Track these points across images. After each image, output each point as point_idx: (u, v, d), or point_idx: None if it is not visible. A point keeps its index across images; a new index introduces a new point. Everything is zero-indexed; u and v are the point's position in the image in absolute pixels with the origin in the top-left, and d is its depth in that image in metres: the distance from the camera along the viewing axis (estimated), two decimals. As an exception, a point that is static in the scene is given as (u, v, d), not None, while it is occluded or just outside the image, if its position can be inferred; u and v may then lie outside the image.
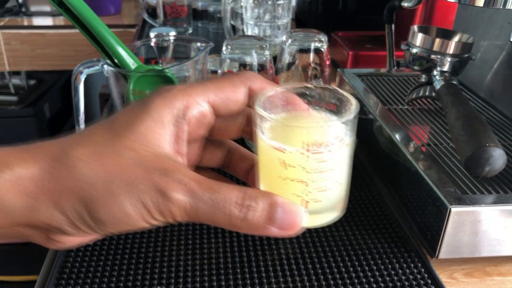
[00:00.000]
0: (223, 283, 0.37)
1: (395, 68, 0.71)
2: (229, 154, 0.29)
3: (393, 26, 0.70)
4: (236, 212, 0.21)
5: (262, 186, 0.25)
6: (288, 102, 0.25)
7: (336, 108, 0.25)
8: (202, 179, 0.22)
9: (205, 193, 0.21)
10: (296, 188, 0.23)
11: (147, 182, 0.21)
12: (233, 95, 0.25)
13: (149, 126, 0.22)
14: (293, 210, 0.22)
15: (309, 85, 0.25)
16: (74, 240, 0.23)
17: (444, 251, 0.40)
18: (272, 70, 0.64)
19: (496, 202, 0.40)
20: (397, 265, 0.40)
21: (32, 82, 1.54)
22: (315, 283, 0.38)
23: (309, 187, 0.23)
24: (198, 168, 0.28)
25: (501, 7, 0.46)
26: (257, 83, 0.25)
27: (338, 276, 0.38)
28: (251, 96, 0.25)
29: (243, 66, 0.62)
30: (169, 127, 0.23)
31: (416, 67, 0.59)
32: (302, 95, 0.25)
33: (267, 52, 0.62)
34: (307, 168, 0.22)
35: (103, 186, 0.21)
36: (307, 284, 0.37)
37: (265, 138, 0.23)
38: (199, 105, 0.24)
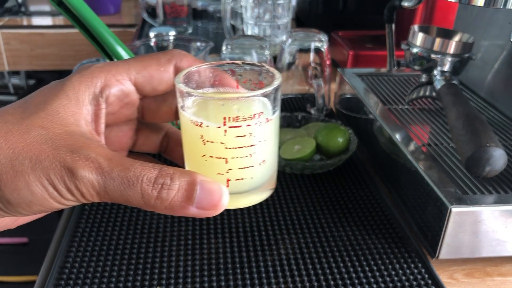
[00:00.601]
0: (223, 283, 0.37)
1: (396, 68, 0.71)
2: (165, 139, 0.28)
3: (393, 25, 0.70)
4: (149, 190, 0.20)
5: (187, 166, 0.24)
6: (217, 79, 0.24)
7: (264, 84, 0.24)
8: (113, 156, 0.20)
9: (115, 170, 0.20)
10: (217, 166, 0.22)
11: (52, 158, 0.20)
12: (157, 73, 0.24)
13: (63, 103, 0.21)
14: (213, 188, 0.21)
15: (237, 62, 0.24)
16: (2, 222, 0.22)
17: (445, 252, 0.40)
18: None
19: (497, 202, 0.40)
20: (397, 265, 0.40)
21: (31, 82, 1.54)
22: (315, 283, 0.37)
23: (229, 164, 0.22)
24: (133, 153, 0.27)
25: (501, 7, 0.46)
26: (184, 61, 0.24)
27: (338, 276, 0.38)
28: (177, 71, 0.24)
29: None
30: (85, 105, 0.22)
31: (416, 67, 0.59)
32: (231, 72, 0.25)
33: (267, 52, 0.62)
34: (226, 144, 0.22)
35: (7, 164, 0.20)
36: (307, 284, 0.37)
37: (185, 114, 0.22)
38: (119, 82, 0.23)
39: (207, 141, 0.22)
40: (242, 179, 0.23)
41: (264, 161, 0.23)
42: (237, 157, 0.22)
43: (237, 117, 0.21)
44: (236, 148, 0.22)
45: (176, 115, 0.25)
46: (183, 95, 0.22)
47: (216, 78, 0.24)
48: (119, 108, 0.24)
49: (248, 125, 0.21)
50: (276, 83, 0.23)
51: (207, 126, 0.21)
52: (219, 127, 0.21)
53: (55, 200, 0.20)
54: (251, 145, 0.22)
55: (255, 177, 0.24)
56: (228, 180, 0.23)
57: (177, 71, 0.24)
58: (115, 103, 0.23)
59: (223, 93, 0.24)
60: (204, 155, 0.22)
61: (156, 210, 0.21)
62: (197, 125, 0.22)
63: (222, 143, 0.22)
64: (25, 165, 0.20)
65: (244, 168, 0.23)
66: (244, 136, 0.22)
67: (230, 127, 0.21)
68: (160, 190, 0.20)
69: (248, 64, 0.25)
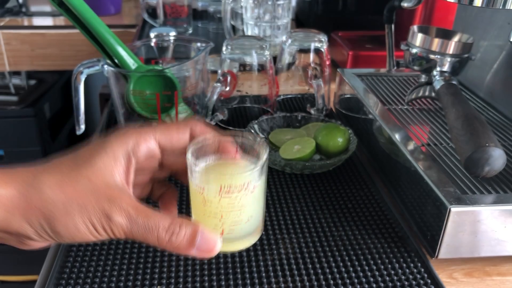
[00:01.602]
0: (223, 283, 0.37)
1: (395, 68, 0.71)
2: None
3: (393, 26, 0.70)
4: (163, 235, 0.27)
5: (193, 215, 0.32)
6: (220, 147, 0.32)
7: (256, 154, 0.31)
8: (139, 207, 0.27)
9: (139, 217, 0.27)
10: (213, 220, 0.30)
11: (95, 205, 0.27)
12: (177, 135, 0.31)
13: (103, 160, 0.28)
14: (210, 237, 0.28)
15: (238, 134, 0.32)
16: (39, 244, 0.29)
17: (444, 251, 0.40)
18: (272, 70, 0.64)
19: (496, 202, 0.40)
20: (397, 265, 0.40)
21: (32, 82, 1.54)
22: (315, 283, 0.38)
23: (223, 219, 0.30)
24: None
25: (500, 7, 0.46)
26: (197, 127, 0.32)
27: (338, 276, 0.38)
28: (193, 137, 0.31)
29: (243, 66, 0.62)
30: (120, 160, 0.29)
31: (416, 67, 0.59)
32: (235, 140, 0.32)
33: (267, 52, 0.62)
34: (220, 207, 0.29)
35: (61, 206, 0.27)
36: (307, 284, 0.38)
37: (192, 179, 0.30)
38: (147, 142, 0.30)
39: (207, 202, 0.29)
40: (233, 232, 0.30)
41: (248, 220, 0.30)
42: (228, 217, 0.29)
43: (229, 189, 0.28)
44: (227, 210, 0.29)
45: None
46: (191, 165, 0.29)
47: (220, 146, 0.31)
48: (145, 160, 0.31)
49: (237, 196, 0.29)
50: (264, 157, 0.30)
51: (207, 193, 0.29)
52: (215, 195, 0.28)
53: (93, 236, 0.27)
54: (239, 209, 0.29)
55: (243, 229, 0.31)
56: (223, 230, 0.30)
57: (192, 134, 0.31)
58: (143, 157, 0.30)
59: (223, 161, 0.31)
60: (204, 212, 0.29)
61: (167, 249, 0.28)
62: (199, 190, 0.29)
63: (217, 206, 0.29)
64: (75, 209, 0.27)
65: (234, 224, 0.30)
66: (234, 203, 0.29)
67: (223, 197, 0.28)
68: (171, 235, 0.27)
69: (248, 137, 0.32)
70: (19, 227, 0.27)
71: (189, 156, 0.29)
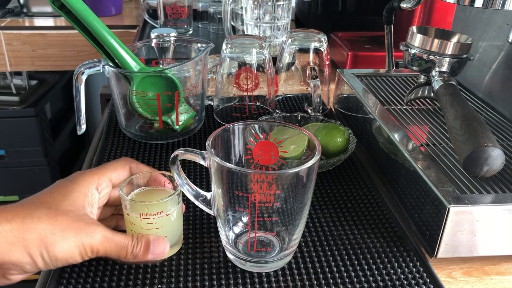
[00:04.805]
0: (223, 282, 0.38)
1: (394, 68, 0.71)
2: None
3: (392, 27, 0.70)
4: (130, 249, 0.37)
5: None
6: (151, 179, 0.41)
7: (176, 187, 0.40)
8: (112, 231, 0.36)
9: (114, 240, 0.36)
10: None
11: (86, 231, 0.35)
12: (122, 172, 0.41)
13: (77, 195, 0.36)
14: (161, 242, 0.38)
15: (165, 173, 0.42)
16: (20, 277, 0.34)
17: (443, 250, 0.41)
18: (270, 69, 0.64)
19: (495, 201, 0.40)
20: (396, 264, 0.40)
21: (33, 82, 1.54)
22: (315, 282, 0.38)
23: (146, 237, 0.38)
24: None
25: (499, 8, 0.47)
26: (134, 164, 0.42)
27: (337, 275, 0.39)
28: (131, 172, 0.41)
29: (243, 65, 0.63)
30: (88, 196, 0.37)
31: (415, 68, 0.59)
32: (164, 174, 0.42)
33: (266, 52, 0.63)
34: (142, 227, 0.38)
35: (60, 233, 0.33)
36: (307, 283, 0.38)
37: (123, 207, 0.39)
38: (105, 180, 0.39)
39: (132, 223, 0.38)
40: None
41: (165, 236, 0.39)
42: (149, 233, 0.38)
43: (146, 214, 0.37)
44: (148, 229, 0.38)
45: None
46: (122, 196, 0.38)
47: (151, 178, 0.41)
48: (104, 196, 0.39)
49: (153, 219, 0.38)
50: (179, 190, 0.39)
51: (132, 217, 0.38)
52: (137, 218, 0.38)
53: (82, 257, 0.35)
54: (156, 229, 0.38)
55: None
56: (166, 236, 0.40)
57: (130, 170, 0.41)
58: (104, 192, 0.39)
59: (152, 189, 0.41)
60: (131, 229, 0.39)
61: (130, 260, 0.37)
62: (127, 213, 0.38)
63: (140, 226, 0.38)
64: (70, 234, 0.34)
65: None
66: (152, 223, 0.38)
67: (142, 219, 0.38)
68: (133, 248, 0.37)
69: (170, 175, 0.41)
70: (20, 258, 0.32)
71: (121, 190, 0.38)
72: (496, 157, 0.41)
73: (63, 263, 0.34)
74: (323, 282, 0.38)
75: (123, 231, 0.40)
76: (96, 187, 0.38)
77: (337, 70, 0.71)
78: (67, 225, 0.34)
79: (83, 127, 0.58)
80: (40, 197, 0.36)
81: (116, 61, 0.55)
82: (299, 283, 0.38)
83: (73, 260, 0.34)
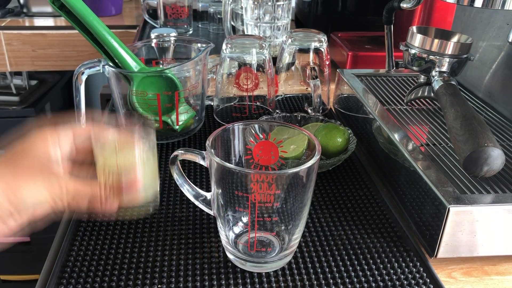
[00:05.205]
0: (223, 282, 0.38)
1: (394, 68, 0.71)
2: None
3: (392, 27, 0.70)
4: (102, 188, 0.34)
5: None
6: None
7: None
8: (79, 180, 0.34)
9: (85, 181, 0.34)
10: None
11: (52, 173, 0.33)
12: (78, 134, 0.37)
13: (37, 153, 0.34)
14: (134, 182, 0.35)
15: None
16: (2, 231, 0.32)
17: (443, 251, 0.41)
18: (270, 69, 0.64)
19: (495, 201, 0.40)
20: (396, 264, 0.40)
21: (33, 82, 1.54)
22: (315, 282, 0.38)
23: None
24: None
25: (499, 8, 0.47)
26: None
27: (337, 275, 0.39)
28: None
29: (243, 65, 0.63)
30: (49, 153, 0.34)
31: (415, 68, 0.59)
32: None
33: (266, 52, 0.63)
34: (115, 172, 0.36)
35: (23, 177, 0.32)
36: (307, 283, 0.38)
37: (95, 151, 0.36)
38: (66, 135, 0.36)
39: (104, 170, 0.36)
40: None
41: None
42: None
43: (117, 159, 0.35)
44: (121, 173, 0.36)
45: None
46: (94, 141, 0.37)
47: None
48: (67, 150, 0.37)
49: (125, 160, 0.36)
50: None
51: (105, 160, 0.36)
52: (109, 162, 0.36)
53: (52, 199, 0.33)
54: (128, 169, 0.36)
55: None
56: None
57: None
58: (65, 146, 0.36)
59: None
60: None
61: (102, 204, 0.35)
62: (100, 158, 0.36)
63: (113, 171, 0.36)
64: (37, 176, 0.32)
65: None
66: (124, 166, 0.36)
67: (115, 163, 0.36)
68: (106, 187, 0.35)
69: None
70: None
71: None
72: (496, 157, 0.41)
73: (31, 205, 0.32)
74: (323, 282, 0.38)
75: None
76: (57, 142, 0.35)
77: (337, 70, 0.71)
78: (31, 170, 0.32)
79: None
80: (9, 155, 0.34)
81: (116, 61, 0.55)
82: (299, 283, 0.38)
83: (44, 204, 0.32)
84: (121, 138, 0.37)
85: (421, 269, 0.40)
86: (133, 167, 0.37)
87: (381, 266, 0.40)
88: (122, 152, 0.36)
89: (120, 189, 0.35)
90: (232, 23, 0.99)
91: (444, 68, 0.56)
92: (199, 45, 0.64)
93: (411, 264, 0.40)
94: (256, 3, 0.86)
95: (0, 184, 0.31)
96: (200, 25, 1.22)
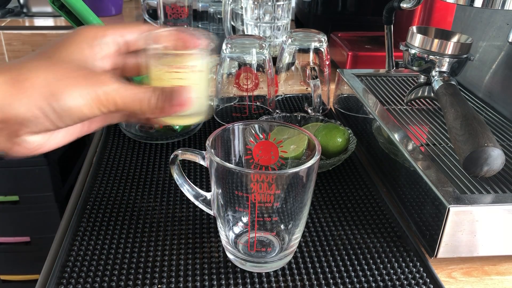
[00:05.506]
0: (223, 282, 0.38)
1: (394, 68, 0.71)
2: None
3: (392, 27, 0.70)
4: (150, 98, 0.31)
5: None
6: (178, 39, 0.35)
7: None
8: (127, 83, 0.31)
9: (132, 88, 0.30)
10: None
11: (97, 79, 0.29)
12: (130, 31, 0.34)
13: (81, 46, 0.31)
14: (185, 90, 0.32)
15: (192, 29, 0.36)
16: (36, 142, 0.30)
17: (443, 250, 0.41)
18: (270, 69, 0.64)
19: (495, 201, 0.40)
20: (396, 264, 0.40)
21: (33, 82, 1.54)
22: (315, 282, 0.38)
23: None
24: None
25: (499, 8, 0.47)
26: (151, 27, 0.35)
27: (337, 275, 0.39)
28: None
29: (243, 65, 0.63)
30: (94, 48, 0.32)
31: (415, 68, 0.59)
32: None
33: (266, 51, 0.63)
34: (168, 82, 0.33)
35: (67, 81, 0.28)
36: (307, 283, 0.38)
37: (146, 61, 0.34)
38: (114, 33, 0.33)
39: (155, 81, 0.34)
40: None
41: (198, 97, 0.34)
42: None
43: (178, 66, 0.33)
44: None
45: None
46: (149, 48, 0.34)
47: (176, 37, 0.35)
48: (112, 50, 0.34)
49: (183, 72, 0.33)
50: (203, 50, 0.34)
51: (158, 71, 0.34)
52: (164, 71, 0.33)
53: (98, 108, 0.29)
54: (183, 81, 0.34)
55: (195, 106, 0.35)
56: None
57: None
58: (111, 45, 0.33)
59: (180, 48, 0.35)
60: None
61: (148, 114, 0.32)
62: (153, 68, 0.34)
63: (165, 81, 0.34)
64: (80, 82, 0.29)
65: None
66: (180, 79, 0.33)
67: (171, 72, 0.33)
68: (154, 96, 0.31)
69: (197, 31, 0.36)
70: (25, 111, 0.27)
71: (144, 40, 0.34)
72: (496, 157, 0.41)
73: (77, 117, 0.29)
74: (323, 282, 0.38)
75: None
76: (103, 38, 0.33)
77: (337, 70, 0.71)
78: (74, 72, 0.29)
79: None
80: (37, 52, 0.31)
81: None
82: (299, 283, 0.38)
83: (88, 113, 0.29)
84: (178, 42, 0.34)
85: (421, 269, 0.40)
86: (191, 74, 0.34)
87: (381, 266, 0.40)
88: (178, 58, 0.34)
89: (171, 92, 0.31)
90: (232, 23, 0.99)
91: (444, 68, 0.56)
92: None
93: (411, 264, 0.40)
94: (256, 3, 0.86)
95: (42, 87, 0.27)
96: (200, 25, 1.22)
